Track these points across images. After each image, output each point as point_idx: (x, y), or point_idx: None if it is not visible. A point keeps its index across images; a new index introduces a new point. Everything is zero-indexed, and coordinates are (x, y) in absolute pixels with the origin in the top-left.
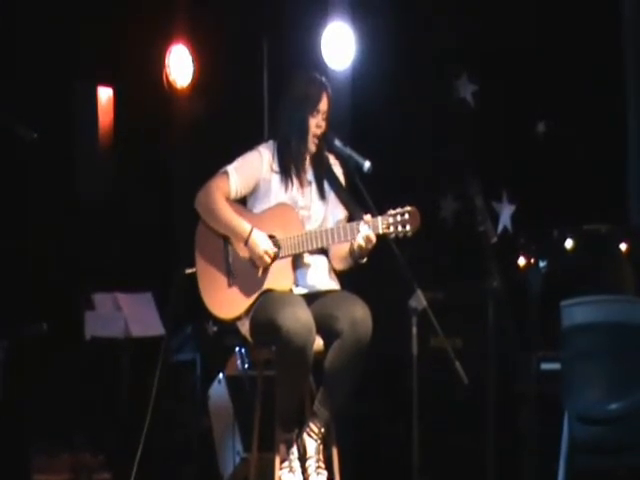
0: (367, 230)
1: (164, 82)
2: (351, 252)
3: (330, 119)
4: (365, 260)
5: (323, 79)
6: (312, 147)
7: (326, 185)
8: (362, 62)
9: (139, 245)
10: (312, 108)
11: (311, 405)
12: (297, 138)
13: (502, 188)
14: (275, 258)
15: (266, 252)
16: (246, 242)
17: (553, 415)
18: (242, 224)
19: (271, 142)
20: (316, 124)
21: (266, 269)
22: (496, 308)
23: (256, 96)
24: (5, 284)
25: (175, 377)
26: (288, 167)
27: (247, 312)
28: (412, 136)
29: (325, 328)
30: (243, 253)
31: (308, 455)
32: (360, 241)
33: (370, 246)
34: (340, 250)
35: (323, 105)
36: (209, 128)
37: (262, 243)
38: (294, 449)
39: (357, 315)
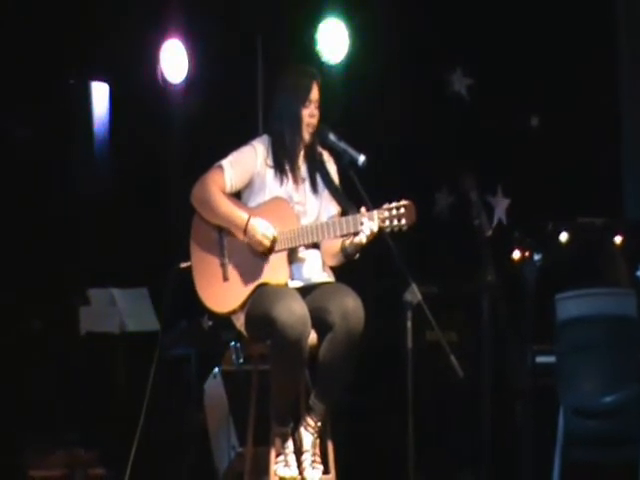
0: (372, 225)
1: (158, 77)
2: (342, 249)
3: (323, 112)
4: (357, 256)
5: (312, 69)
6: (307, 137)
7: (319, 181)
8: (356, 56)
9: (135, 240)
10: (304, 99)
11: (307, 399)
12: (291, 131)
13: (497, 182)
14: (275, 241)
15: (264, 235)
16: (245, 230)
17: (548, 408)
18: (239, 213)
19: (265, 136)
20: (309, 114)
21: (266, 256)
22: (491, 302)
23: (250, 91)
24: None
25: (170, 372)
26: (282, 162)
27: (242, 306)
28: (406, 130)
29: (318, 321)
30: (241, 243)
31: (304, 449)
32: (366, 236)
33: (370, 240)
34: (332, 247)
35: (314, 94)
36: (203, 123)
37: (260, 227)
38: (289, 443)
39: (348, 306)
